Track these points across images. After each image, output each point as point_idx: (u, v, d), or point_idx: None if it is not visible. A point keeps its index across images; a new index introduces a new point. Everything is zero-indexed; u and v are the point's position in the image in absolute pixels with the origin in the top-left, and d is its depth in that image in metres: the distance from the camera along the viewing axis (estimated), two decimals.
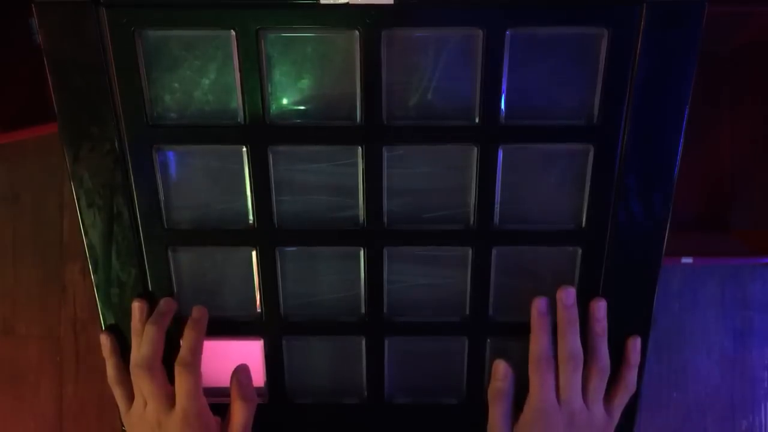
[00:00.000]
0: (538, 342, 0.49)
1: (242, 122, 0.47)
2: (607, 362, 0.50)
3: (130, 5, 0.44)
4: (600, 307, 0.50)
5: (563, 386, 0.49)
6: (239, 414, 0.51)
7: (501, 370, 0.51)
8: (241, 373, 0.53)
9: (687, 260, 0.69)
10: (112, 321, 0.52)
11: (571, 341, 0.49)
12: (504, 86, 0.45)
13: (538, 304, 0.50)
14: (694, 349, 0.85)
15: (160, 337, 0.50)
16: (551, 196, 0.50)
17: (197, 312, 0.51)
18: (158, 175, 0.48)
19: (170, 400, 0.49)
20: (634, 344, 0.51)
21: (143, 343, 0.49)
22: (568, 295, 0.49)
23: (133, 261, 0.50)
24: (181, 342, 0.51)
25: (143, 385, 0.49)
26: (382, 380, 0.55)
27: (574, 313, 0.50)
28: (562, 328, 0.49)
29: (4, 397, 0.87)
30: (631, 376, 0.51)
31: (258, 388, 0.56)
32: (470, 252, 0.51)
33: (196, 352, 0.50)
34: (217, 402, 0.53)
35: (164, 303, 0.51)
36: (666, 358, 0.84)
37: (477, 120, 0.47)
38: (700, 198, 0.81)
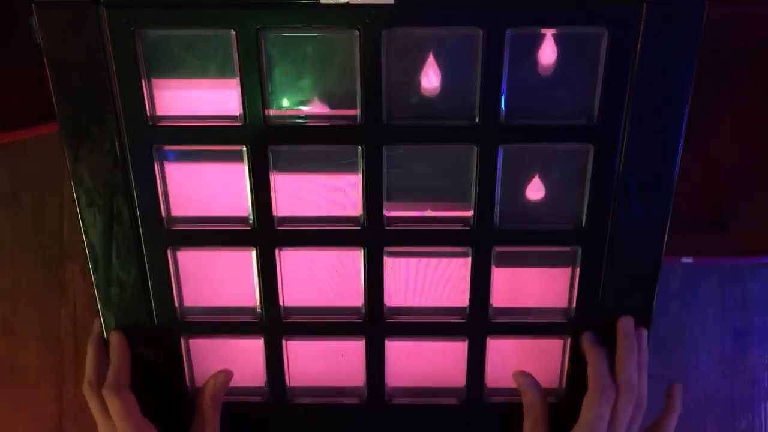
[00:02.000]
0: (601, 368, 0.49)
1: (242, 122, 0.47)
2: (645, 395, 0.49)
3: (130, 5, 0.44)
4: (643, 336, 0.50)
5: (617, 417, 0.47)
6: (196, 420, 0.52)
7: (532, 385, 0.52)
8: (211, 379, 0.53)
9: (687, 260, 0.69)
10: (112, 321, 0.52)
11: (630, 371, 0.48)
12: (504, 86, 0.46)
13: (626, 326, 0.49)
14: (694, 349, 0.85)
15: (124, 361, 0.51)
16: (551, 196, 0.50)
17: (115, 338, 0.51)
18: (158, 175, 0.48)
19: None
20: (678, 391, 0.51)
21: (113, 365, 0.50)
22: (628, 323, 0.49)
23: (133, 261, 0.50)
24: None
25: (92, 406, 0.50)
26: (382, 380, 0.55)
27: (634, 342, 0.49)
28: (621, 357, 0.49)
29: (4, 397, 0.87)
30: (671, 424, 0.51)
31: (258, 388, 0.56)
32: (470, 251, 0.51)
33: (120, 374, 0.50)
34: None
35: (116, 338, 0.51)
36: (666, 358, 0.84)
37: (477, 120, 0.47)
38: (700, 198, 0.81)
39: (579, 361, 0.52)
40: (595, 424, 0.47)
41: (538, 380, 0.53)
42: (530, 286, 0.52)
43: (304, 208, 0.50)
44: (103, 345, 0.52)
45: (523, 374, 0.53)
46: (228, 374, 0.54)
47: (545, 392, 0.52)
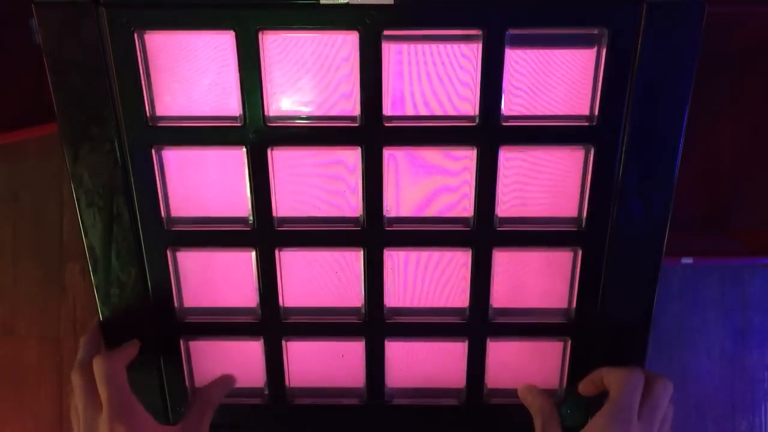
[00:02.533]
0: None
1: (242, 122, 0.47)
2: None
3: (130, 5, 0.44)
4: None
5: (651, 400, 0.46)
6: (191, 410, 0.51)
7: (533, 392, 0.52)
8: (216, 384, 0.53)
9: (687, 260, 0.70)
10: (112, 321, 0.52)
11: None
12: (504, 86, 0.45)
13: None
14: (694, 349, 0.85)
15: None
16: (551, 196, 0.49)
17: (134, 341, 0.51)
18: (158, 175, 0.48)
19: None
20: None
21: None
22: None
23: (133, 261, 0.50)
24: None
25: (76, 385, 0.48)
26: (382, 380, 0.55)
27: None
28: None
29: (5, 397, 0.87)
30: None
31: (258, 389, 0.56)
32: (470, 252, 0.51)
33: (123, 353, 0.49)
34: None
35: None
36: (666, 358, 0.84)
37: (477, 120, 0.47)
38: (700, 198, 0.81)
39: (579, 362, 0.53)
40: (629, 399, 0.46)
41: (537, 386, 0.53)
42: (530, 287, 0.52)
43: (304, 208, 0.50)
44: (100, 335, 0.52)
45: (524, 388, 0.53)
46: (232, 381, 0.54)
47: (547, 394, 0.52)
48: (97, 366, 0.47)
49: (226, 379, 0.54)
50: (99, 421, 0.46)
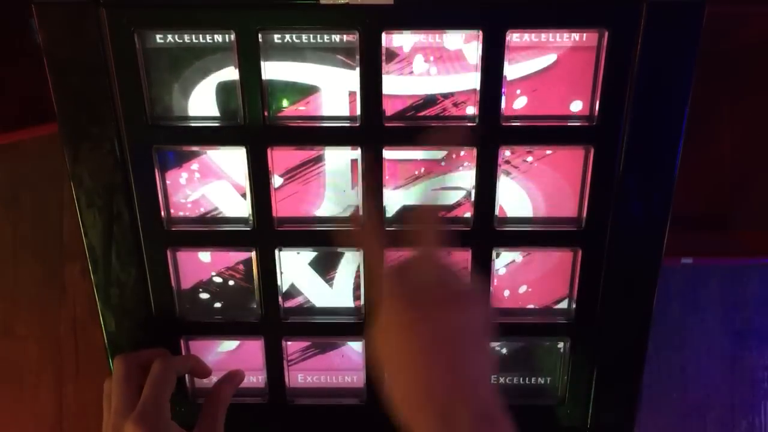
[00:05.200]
0: None
1: (242, 122, 0.47)
2: None
3: (130, 5, 0.44)
4: None
5: None
6: (204, 413, 0.51)
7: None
8: (226, 382, 0.53)
9: (687, 260, 0.69)
10: (112, 321, 0.52)
11: None
12: (504, 86, 0.45)
13: None
14: (694, 349, 0.85)
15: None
16: (551, 196, 0.49)
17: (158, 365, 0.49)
18: (158, 175, 0.48)
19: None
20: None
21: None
22: None
23: (133, 261, 0.50)
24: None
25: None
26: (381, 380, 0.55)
27: None
28: None
29: (4, 397, 0.87)
30: None
31: (258, 389, 0.56)
32: (470, 252, 0.50)
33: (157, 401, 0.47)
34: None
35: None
36: (666, 358, 0.84)
37: (477, 120, 0.47)
38: (700, 198, 0.81)
39: (580, 361, 0.53)
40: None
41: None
42: (530, 286, 0.52)
43: (304, 208, 0.50)
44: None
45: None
46: (241, 376, 0.54)
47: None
48: (160, 365, 0.47)
49: (235, 375, 0.53)
50: (129, 417, 0.45)
